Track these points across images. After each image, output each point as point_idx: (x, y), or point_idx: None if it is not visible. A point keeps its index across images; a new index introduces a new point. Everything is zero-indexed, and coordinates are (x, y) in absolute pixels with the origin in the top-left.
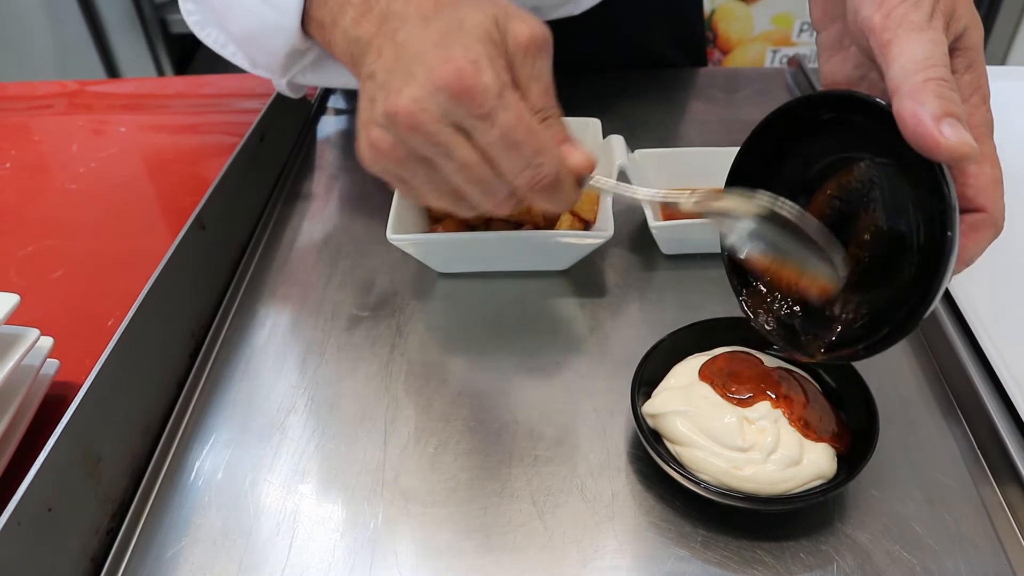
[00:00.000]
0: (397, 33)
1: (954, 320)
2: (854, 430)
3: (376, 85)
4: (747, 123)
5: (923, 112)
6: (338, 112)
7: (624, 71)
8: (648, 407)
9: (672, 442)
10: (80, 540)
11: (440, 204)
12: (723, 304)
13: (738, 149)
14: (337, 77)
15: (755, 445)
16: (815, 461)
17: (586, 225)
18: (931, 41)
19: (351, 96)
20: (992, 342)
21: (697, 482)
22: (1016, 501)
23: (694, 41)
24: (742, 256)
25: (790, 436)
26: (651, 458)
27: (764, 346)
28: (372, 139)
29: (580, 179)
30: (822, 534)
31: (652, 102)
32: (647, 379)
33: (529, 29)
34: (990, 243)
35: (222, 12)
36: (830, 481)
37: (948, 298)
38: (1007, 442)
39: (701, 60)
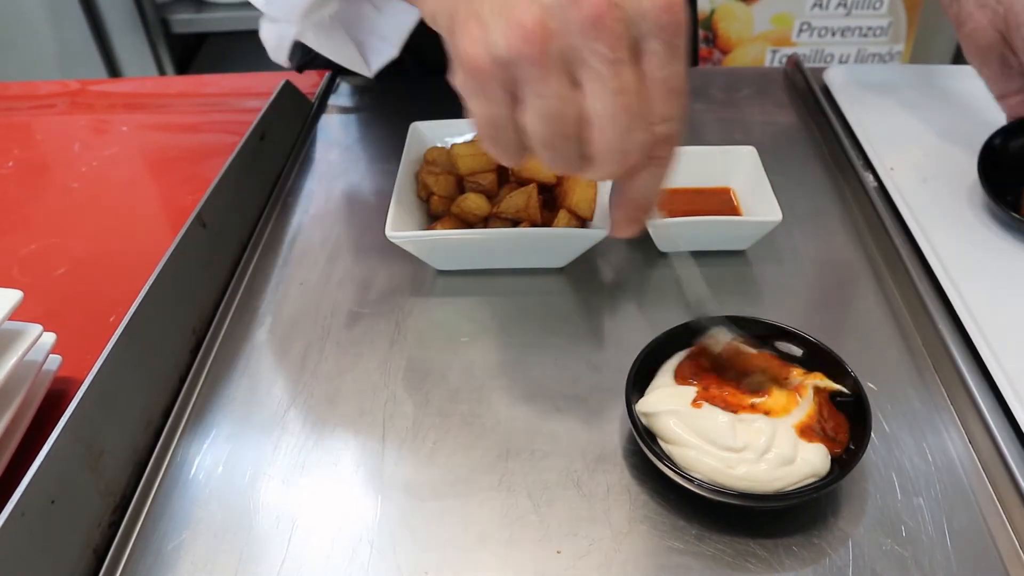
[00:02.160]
0: None
1: (947, 316)
2: (848, 427)
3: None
4: (746, 123)
5: None
6: (338, 111)
7: None
8: (641, 405)
9: (665, 441)
10: (82, 532)
11: (534, 129)
12: (720, 301)
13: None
14: (338, 47)
15: (749, 445)
16: (808, 460)
17: (583, 222)
18: None
19: (356, 93)
20: (984, 338)
21: (691, 479)
22: (1007, 496)
23: (690, 45)
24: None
25: (785, 435)
26: (644, 453)
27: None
28: (476, 55)
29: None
30: (815, 528)
31: None
32: (642, 376)
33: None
34: None
35: None
36: (823, 479)
37: (941, 295)
38: (998, 437)
39: (693, 61)
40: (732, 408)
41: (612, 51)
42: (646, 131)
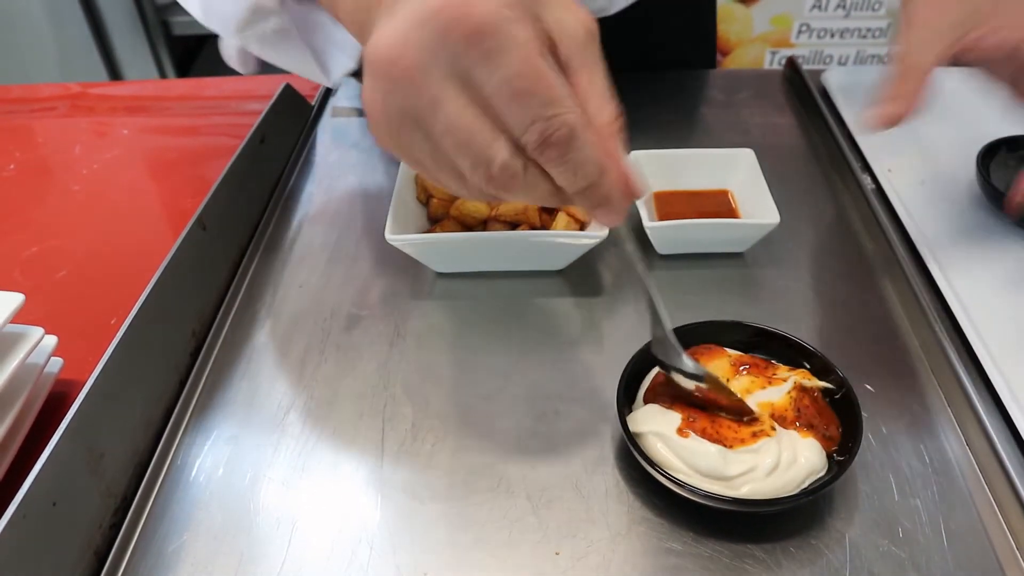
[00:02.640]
0: None
1: (944, 319)
2: (839, 425)
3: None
4: (745, 125)
5: None
6: (338, 114)
7: (622, 73)
8: (630, 420)
9: (656, 464)
10: (84, 534)
11: (444, 180)
12: (718, 304)
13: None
14: (291, 58)
15: (755, 466)
16: (809, 459)
17: (581, 226)
18: None
19: (356, 96)
20: (982, 340)
21: (688, 488)
22: (1004, 498)
23: (707, 42)
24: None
25: (787, 443)
26: (633, 446)
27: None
28: (364, 101)
29: (627, 183)
30: (812, 529)
31: (650, 103)
32: (635, 380)
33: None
34: None
35: None
36: (820, 478)
37: (939, 297)
38: (995, 439)
39: (711, 62)
40: (727, 442)
41: (426, 96)
42: (503, 149)
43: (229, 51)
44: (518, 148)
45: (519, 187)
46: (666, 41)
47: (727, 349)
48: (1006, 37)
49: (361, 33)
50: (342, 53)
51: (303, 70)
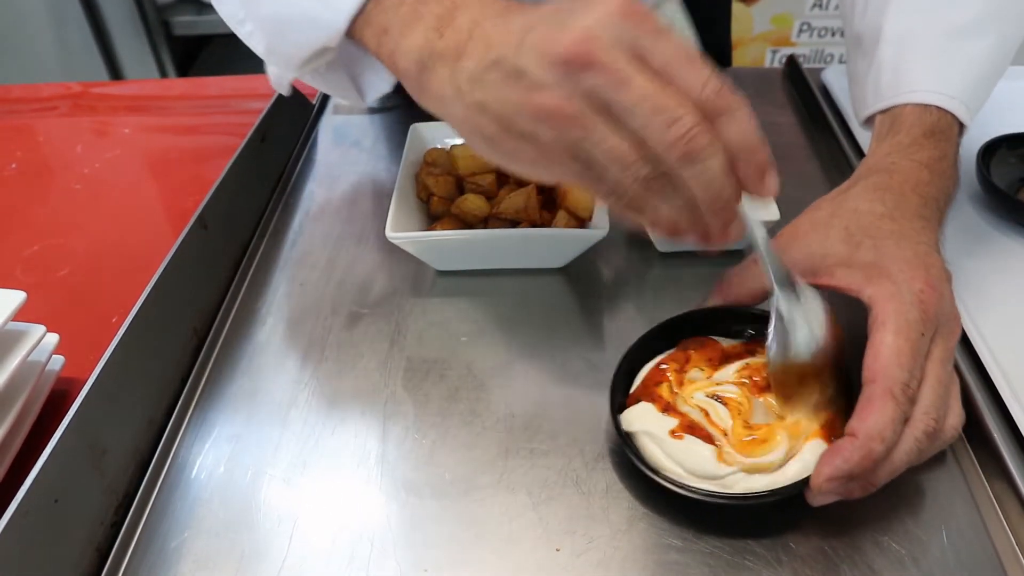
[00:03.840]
0: (501, 26)
1: None
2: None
3: (513, 57)
4: None
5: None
6: (339, 113)
7: None
8: (623, 419)
9: (650, 464)
10: (86, 531)
11: (622, 177)
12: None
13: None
14: (335, 84)
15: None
16: (808, 463)
17: (582, 223)
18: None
19: None
20: (982, 338)
21: (684, 487)
22: (1002, 493)
23: (721, 44)
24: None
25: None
26: (627, 445)
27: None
28: (542, 105)
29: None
30: (812, 525)
31: None
32: (629, 378)
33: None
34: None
35: None
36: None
37: None
38: (994, 435)
39: (726, 62)
40: (723, 445)
41: (614, 74)
42: (693, 109)
43: (275, 79)
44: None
45: (703, 147)
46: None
47: (720, 340)
48: (844, 287)
49: (423, 70)
50: (377, 77)
51: (343, 93)
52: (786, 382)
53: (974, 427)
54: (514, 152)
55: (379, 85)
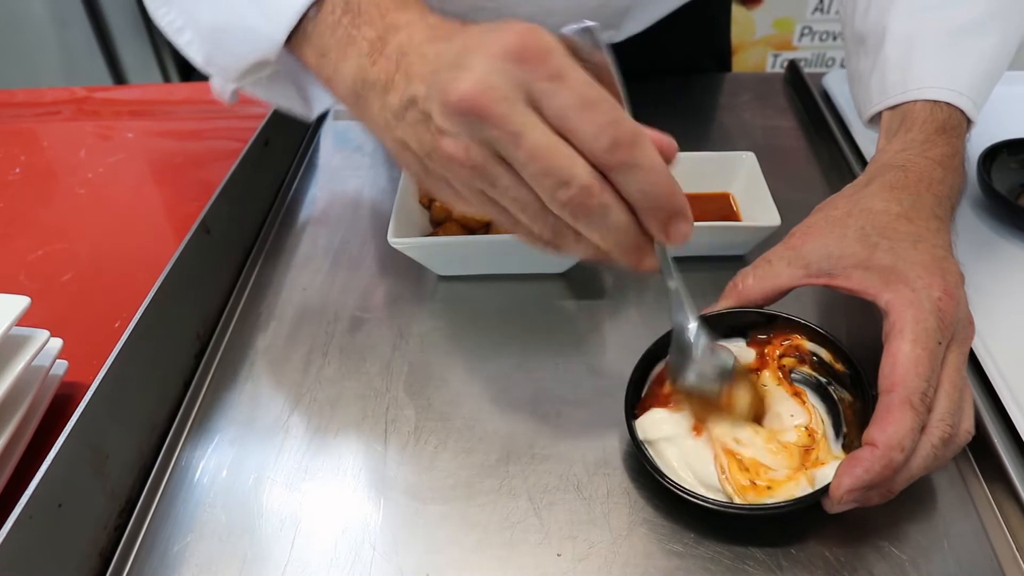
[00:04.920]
0: (420, 57)
1: None
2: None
3: (423, 99)
4: (746, 128)
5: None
6: (341, 118)
7: (623, 78)
8: (639, 425)
9: (667, 470)
10: (89, 535)
11: (524, 216)
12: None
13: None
14: (279, 95)
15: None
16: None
17: None
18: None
19: None
20: (982, 342)
21: (692, 494)
22: (1003, 499)
23: (721, 48)
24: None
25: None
26: (646, 457)
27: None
28: (445, 152)
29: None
30: (813, 530)
31: (652, 107)
32: (641, 385)
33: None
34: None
35: None
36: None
37: None
38: (995, 441)
39: (726, 66)
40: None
41: (505, 127)
42: (584, 167)
43: (216, 90)
44: (594, 169)
45: (595, 208)
46: (680, 47)
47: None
48: (861, 291)
49: (359, 102)
50: (325, 92)
51: (286, 104)
52: (692, 403)
53: (975, 433)
54: (437, 189)
55: (325, 98)
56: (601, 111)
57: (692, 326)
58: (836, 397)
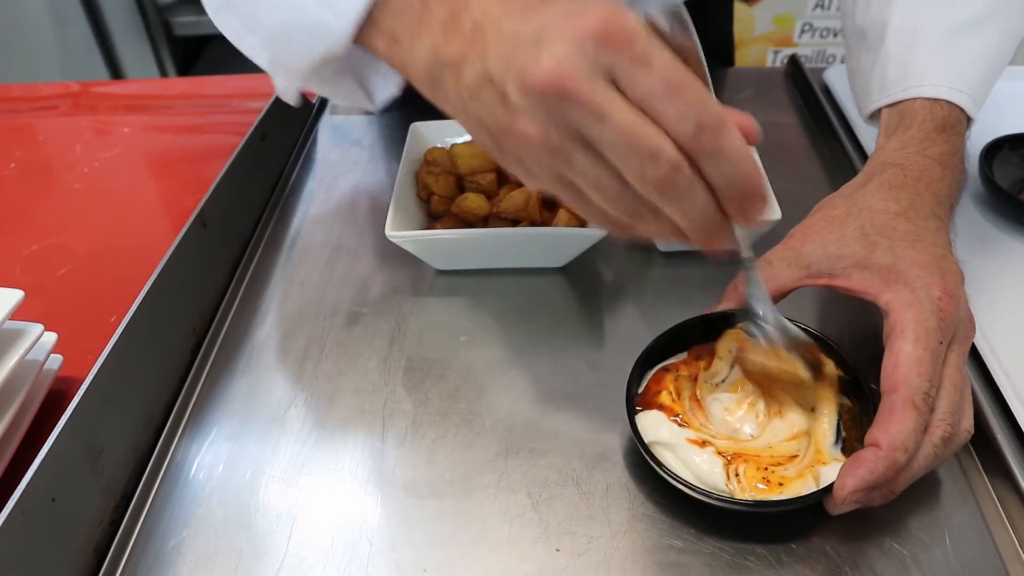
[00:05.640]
0: (497, 33)
1: None
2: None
3: (499, 78)
4: None
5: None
6: (339, 112)
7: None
8: (640, 423)
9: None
10: (84, 530)
11: (604, 199)
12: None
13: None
14: (343, 91)
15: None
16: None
17: (582, 222)
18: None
19: None
20: (984, 336)
21: (694, 488)
22: (1005, 494)
23: (724, 43)
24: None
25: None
26: (646, 451)
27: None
28: (522, 132)
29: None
30: (814, 526)
31: None
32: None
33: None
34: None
35: None
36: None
37: None
38: (997, 435)
39: (729, 61)
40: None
41: (590, 107)
42: (671, 147)
43: (281, 89)
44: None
45: (683, 185)
46: None
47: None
48: (861, 291)
49: (434, 85)
50: (386, 81)
51: (350, 100)
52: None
53: (977, 428)
54: (509, 166)
55: (387, 88)
56: (687, 95)
57: (766, 304)
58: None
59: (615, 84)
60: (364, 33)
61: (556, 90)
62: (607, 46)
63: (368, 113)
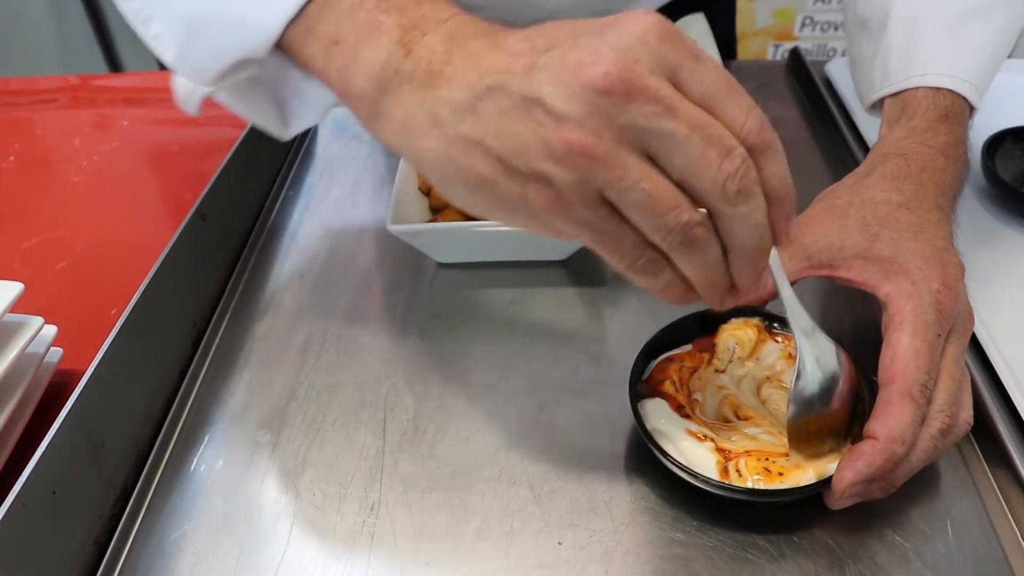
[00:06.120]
0: (491, 46)
1: None
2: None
3: (520, 85)
4: None
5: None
6: (339, 105)
7: None
8: (642, 410)
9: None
10: (84, 524)
11: (654, 229)
12: None
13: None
14: (253, 107)
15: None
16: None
17: None
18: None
19: None
20: (986, 328)
21: (697, 476)
22: (1007, 485)
23: (724, 37)
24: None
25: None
26: (646, 445)
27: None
28: (565, 142)
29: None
30: (816, 518)
31: None
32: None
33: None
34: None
35: None
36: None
37: None
38: (998, 426)
39: (731, 54)
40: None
41: (660, 103)
42: (740, 142)
43: (182, 94)
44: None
45: (753, 183)
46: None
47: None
48: (861, 282)
49: (380, 99)
50: (308, 108)
51: (261, 120)
52: (803, 435)
53: (978, 419)
54: (514, 198)
55: (306, 116)
56: (743, 94)
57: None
58: None
59: (675, 82)
60: (293, 35)
61: (624, 87)
62: (667, 42)
63: None
